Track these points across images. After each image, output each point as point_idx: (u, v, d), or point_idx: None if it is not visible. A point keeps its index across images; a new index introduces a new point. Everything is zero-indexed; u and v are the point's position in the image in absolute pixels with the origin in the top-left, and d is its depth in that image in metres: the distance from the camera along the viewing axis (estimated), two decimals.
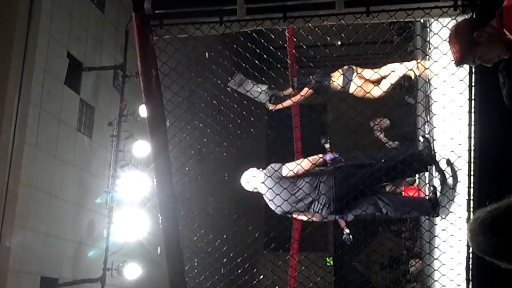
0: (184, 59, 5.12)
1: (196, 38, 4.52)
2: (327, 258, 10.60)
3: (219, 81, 5.61)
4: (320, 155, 5.41)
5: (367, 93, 5.94)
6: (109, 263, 7.62)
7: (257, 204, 11.38)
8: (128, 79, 8.08)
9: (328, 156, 5.41)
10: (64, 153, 7.38)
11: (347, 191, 5.10)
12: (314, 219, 5.38)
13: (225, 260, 5.80)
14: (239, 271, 5.61)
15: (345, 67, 6.74)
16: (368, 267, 10.57)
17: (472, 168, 3.72)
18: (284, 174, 5.25)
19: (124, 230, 7.57)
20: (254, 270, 5.95)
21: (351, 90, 6.60)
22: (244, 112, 6.12)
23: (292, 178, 5.26)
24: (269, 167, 5.34)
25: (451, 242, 4.30)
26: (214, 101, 5.99)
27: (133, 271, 7.74)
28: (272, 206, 5.22)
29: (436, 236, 4.94)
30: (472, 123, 3.75)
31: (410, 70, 6.43)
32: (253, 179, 5.43)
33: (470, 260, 3.75)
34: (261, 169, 5.43)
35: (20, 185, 6.48)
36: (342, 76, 6.65)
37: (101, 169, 7.97)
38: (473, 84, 3.74)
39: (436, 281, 4.68)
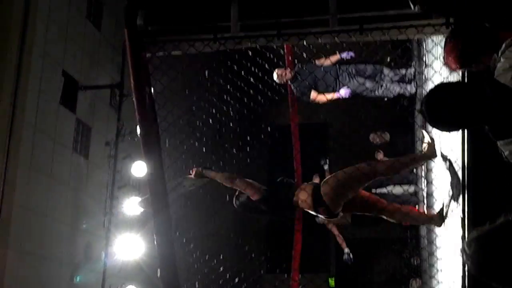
0: (180, 76, 5.06)
1: (189, 55, 4.46)
2: (329, 279, 10.42)
3: (215, 99, 5.55)
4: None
5: None
6: (106, 286, 7.49)
7: (258, 224, 11.30)
8: (126, 98, 8.00)
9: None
10: (59, 174, 7.28)
11: None
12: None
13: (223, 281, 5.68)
14: None
15: None
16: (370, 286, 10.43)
17: (466, 185, 3.65)
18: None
19: (122, 252, 7.44)
20: None
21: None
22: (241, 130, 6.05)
23: None
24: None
25: (447, 262, 4.24)
26: (211, 121, 5.92)
27: None
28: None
29: (434, 254, 4.84)
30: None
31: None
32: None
33: (466, 277, 3.69)
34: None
35: (14, 207, 6.38)
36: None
37: (98, 190, 7.86)
38: None
39: None
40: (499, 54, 2.59)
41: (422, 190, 6.13)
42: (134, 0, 4.17)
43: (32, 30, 6.67)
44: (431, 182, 5.09)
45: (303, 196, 4.84)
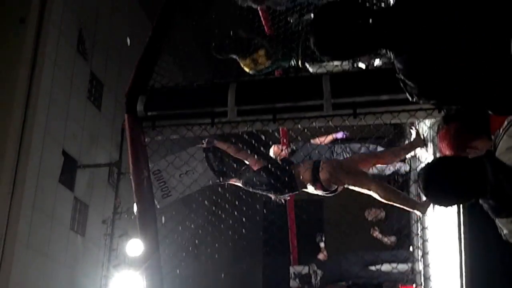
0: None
1: (188, 139, 4.55)
2: None
3: (211, 182, 5.59)
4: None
5: None
6: None
7: None
8: (123, 176, 8.07)
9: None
10: (56, 252, 7.27)
11: None
12: None
13: None
14: None
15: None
16: None
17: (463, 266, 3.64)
18: None
19: None
20: None
21: None
22: (237, 213, 6.08)
23: None
24: None
25: None
26: (206, 202, 5.96)
27: None
28: None
29: None
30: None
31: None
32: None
33: None
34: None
35: (9, 287, 6.33)
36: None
37: (93, 269, 7.81)
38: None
39: None
40: (501, 130, 2.52)
41: (420, 272, 6.10)
42: (135, 87, 4.31)
43: (33, 109, 6.84)
44: (428, 265, 5.07)
45: (302, 170, 5.14)
